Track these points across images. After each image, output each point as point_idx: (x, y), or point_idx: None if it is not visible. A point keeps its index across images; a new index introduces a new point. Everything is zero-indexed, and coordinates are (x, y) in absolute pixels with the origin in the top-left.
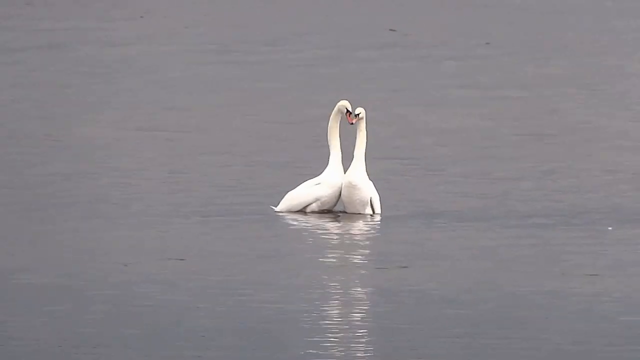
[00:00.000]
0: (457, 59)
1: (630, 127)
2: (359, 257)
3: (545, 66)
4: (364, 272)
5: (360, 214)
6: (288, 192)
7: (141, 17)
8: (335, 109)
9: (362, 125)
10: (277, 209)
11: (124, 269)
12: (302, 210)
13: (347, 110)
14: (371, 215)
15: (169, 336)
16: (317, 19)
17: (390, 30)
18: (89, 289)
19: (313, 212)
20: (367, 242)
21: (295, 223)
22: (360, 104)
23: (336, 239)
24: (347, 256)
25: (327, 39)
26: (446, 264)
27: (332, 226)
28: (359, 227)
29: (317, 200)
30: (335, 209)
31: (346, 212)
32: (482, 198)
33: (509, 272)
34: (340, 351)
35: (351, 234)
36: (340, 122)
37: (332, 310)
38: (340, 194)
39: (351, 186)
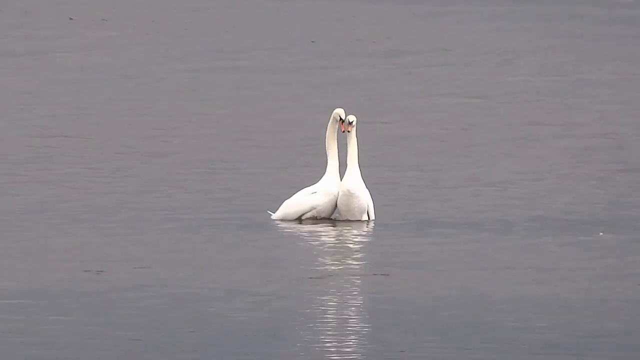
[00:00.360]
0: (432, 66)
1: (607, 132)
2: (343, 264)
3: (517, 74)
4: (347, 279)
5: (353, 221)
6: (285, 200)
7: (103, 19)
8: (331, 117)
9: (352, 133)
10: (274, 216)
11: (103, 277)
12: (298, 219)
13: (340, 119)
14: (367, 221)
15: (145, 344)
16: (286, 28)
17: (356, 40)
18: (64, 296)
19: (309, 220)
20: (352, 250)
21: (283, 230)
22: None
23: (321, 246)
24: (332, 264)
25: (297, 49)
26: (430, 272)
27: (318, 233)
28: (347, 234)
29: (313, 208)
30: (331, 217)
31: (340, 220)
32: (468, 205)
33: (493, 279)
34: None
35: (337, 241)
36: (338, 130)
37: (311, 318)
38: (336, 203)
39: (349, 194)
